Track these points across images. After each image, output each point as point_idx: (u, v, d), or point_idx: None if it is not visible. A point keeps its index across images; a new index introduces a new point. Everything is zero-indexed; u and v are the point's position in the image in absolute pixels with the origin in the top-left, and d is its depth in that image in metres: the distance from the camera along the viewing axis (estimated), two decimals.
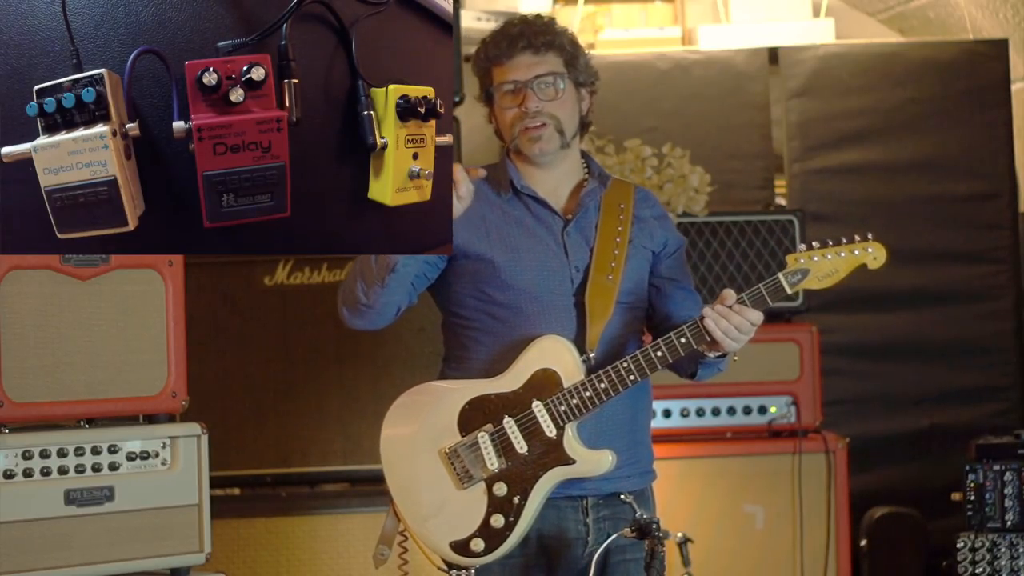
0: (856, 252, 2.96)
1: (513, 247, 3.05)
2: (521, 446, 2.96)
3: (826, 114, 5.59)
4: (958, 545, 4.14)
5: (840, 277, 2.97)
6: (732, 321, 2.90)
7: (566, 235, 3.07)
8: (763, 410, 4.71)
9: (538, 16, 3.10)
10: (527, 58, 3.04)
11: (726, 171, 5.39)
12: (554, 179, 3.12)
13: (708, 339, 2.92)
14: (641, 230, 3.13)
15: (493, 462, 2.96)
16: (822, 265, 2.95)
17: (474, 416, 2.98)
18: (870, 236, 2.97)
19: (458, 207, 2.87)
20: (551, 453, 2.95)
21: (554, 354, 2.98)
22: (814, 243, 2.97)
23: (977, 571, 4.12)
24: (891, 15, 6.24)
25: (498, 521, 2.95)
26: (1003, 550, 4.12)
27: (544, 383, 2.96)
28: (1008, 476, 4.15)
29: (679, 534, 4.08)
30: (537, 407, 2.96)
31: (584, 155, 3.18)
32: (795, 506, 4.61)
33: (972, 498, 4.16)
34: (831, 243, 2.97)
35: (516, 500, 2.95)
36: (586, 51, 3.13)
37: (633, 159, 4.86)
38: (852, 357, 5.49)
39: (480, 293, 3.05)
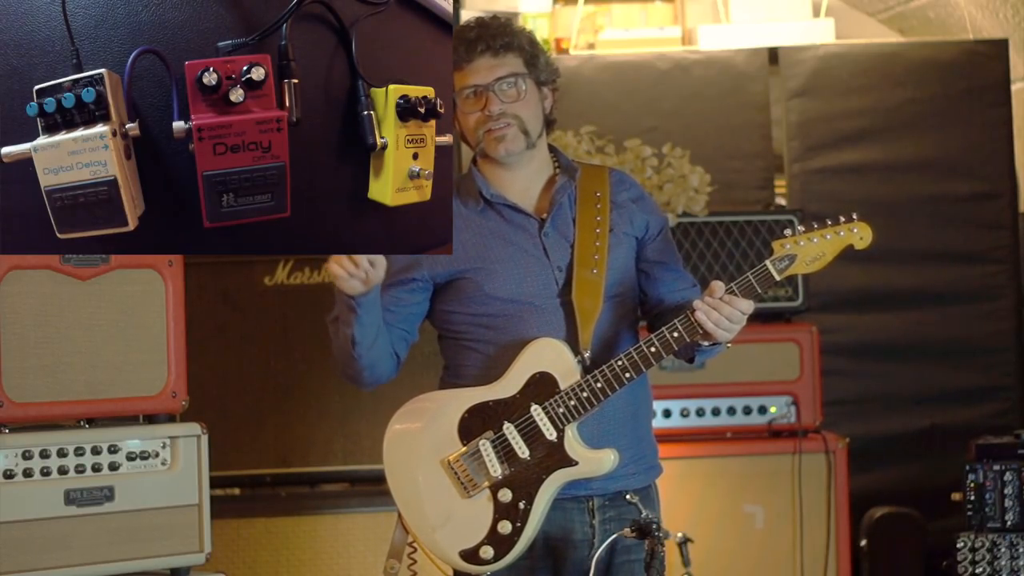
0: (842, 233, 2.94)
1: (491, 260, 3.03)
2: (523, 451, 2.95)
3: (826, 114, 5.58)
4: (958, 545, 4.14)
5: (828, 260, 2.94)
6: (723, 312, 2.88)
7: (544, 236, 3.06)
8: (763, 410, 4.71)
9: (494, 18, 3.08)
10: (486, 61, 3.01)
11: (726, 171, 5.39)
12: (524, 180, 3.10)
13: (700, 331, 2.91)
14: (620, 216, 3.10)
15: (496, 469, 2.95)
16: (809, 249, 2.93)
17: (474, 424, 2.97)
18: (855, 216, 2.94)
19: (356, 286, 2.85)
20: (553, 456, 2.95)
21: (548, 357, 2.97)
22: (799, 227, 2.94)
23: (977, 571, 4.12)
24: (891, 15, 6.24)
25: (505, 527, 2.94)
26: (1003, 550, 4.12)
27: (541, 386, 2.96)
28: (1008, 476, 4.14)
29: (679, 534, 4.08)
30: (536, 411, 2.95)
31: (552, 149, 3.16)
32: (795, 506, 4.60)
33: (972, 498, 4.16)
34: (816, 226, 2.94)
35: (522, 505, 2.95)
36: (545, 50, 3.11)
37: (633, 159, 4.86)
38: (852, 357, 5.49)
39: (466, 309, 3.04)
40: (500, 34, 3.03)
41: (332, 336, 3.01)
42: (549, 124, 3.13)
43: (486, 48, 3.01)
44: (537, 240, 3.06)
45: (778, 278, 2.92)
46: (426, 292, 3.08)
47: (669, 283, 3.11)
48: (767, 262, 2.92)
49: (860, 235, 2.94)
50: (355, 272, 2.84)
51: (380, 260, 2.85)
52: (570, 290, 3.02)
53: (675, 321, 2.92)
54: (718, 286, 2.89)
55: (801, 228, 2.93)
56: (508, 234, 3.06)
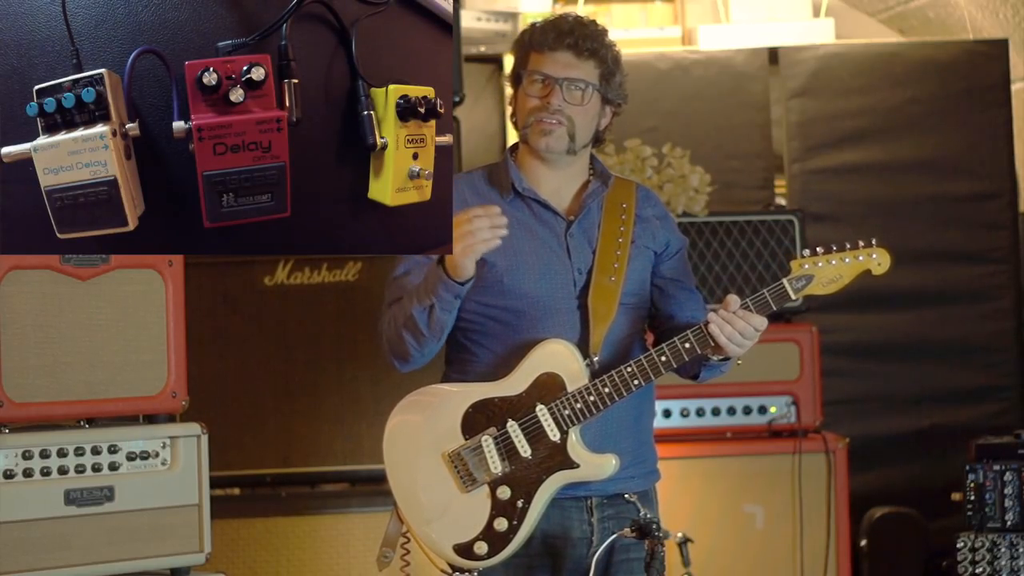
0: (860, 258, 2.97)
1: (516, 251, 3.03)
2: (525, 450, 2.95)
3: (826, 114, 5.59)
4: (958, 545, 4.14)
5: (844, 283, 2.97)
6: (736, 327, 2.90)
7: (569, 236, 3.06)
8: (763, 410, 4.71)
9: (594, 22, 3.08)
10: (567, 57, 3.01)
11: (726, 171, 5.39)
12: (558, 180, 3.10)
13: (712, 344, 2.92)
14: (644, 230, 3.12)
15: (496, 465, 2.95)
16: (826, 271, 2.95)
17: (478, 419, 2.97)
18: (874, 242, 2.97)
19: (487, 234, 2.87)
20: (555, 457, 2.95)
21: (558, 358, 2.98)
22: (818, 248, 2.96)
23: (977, 571, 4.12)
24: (891, 15, 6.25)
25: (502, 524, 2.95)
26: (1003, 550, 4.12)
27: (548, 387, 2.96)
28: (1008, 476, 4.14)
29: (679, 534, 4.08)
30: (541, 411, 2.96)
31: (591, 157, 3.16)
32: (795, 506, 4.61)
33: (972, 498, 4.16)
34: (835, 248, 2.96)
35: (520, 504, 2.95)
36: (625, 72, 3.10)
37: (633, 159, 4.86)
38: (852, 357, 5.49)
39: (481, 299, 3.03)
40: (591, 38, 3.03)
41: (405, 322, 2.97)
42: (598, 140, 3.13)
43: (573, 44, 3.01)
44: (562, 239, 3.06)
45: (794, 297, 2.95)
46: None
47: (682, 301, 3.13)
48: (784, 280, 2.94)
49: (879, 261, 2.97)
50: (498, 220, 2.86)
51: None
52: (587, 293, 3.02)
53: (687, 332, 2.93)
54: (733, 300, 2.91)
55: (820, 249, 2.95)
56: (534, 228, 3.06)
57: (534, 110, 3.02)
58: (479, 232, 2.85)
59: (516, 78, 3.08)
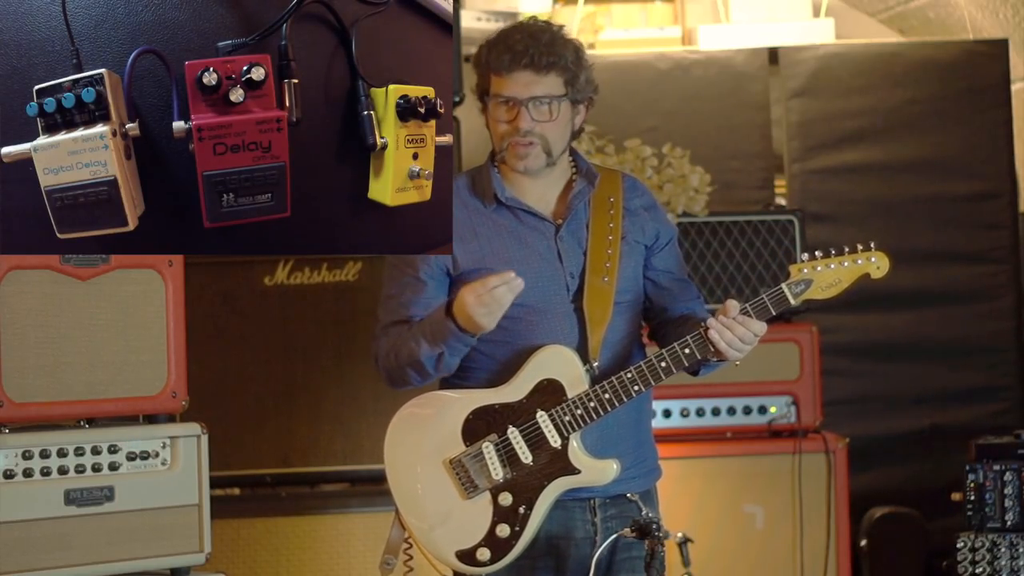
0: (859, 262, 2.96)
1: (507, 260, 3.01)
2: (526, 456, 2.95)
3: (826, 114, 5.58)
4: (958, 545, 4.14)
5: (843, 287, 2.96)
6: (736, 332, 2.89)
7: (559, 240, 3.05)
8: (763, 410, 4.71)
9: (547, 28, 3.00)
10: (527, 76, 2.96)
11: (726, 171, 5.39)
12: (542, 186, 3.07)
13: (712, 349, 2.92)
14: (632, 223, 3.10)
15: (498, 472, 2.95)
16: (825, 275, 2.94)
17: (478, 426, 2.97)
18: (872, 245, 2.96)
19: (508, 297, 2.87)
20: (556, 463, 2.95)
21: (557, 364, 2.97)
22: (817, 252, 2.95)
23: (977, 571, 4.12)
24: (891, 15, 6.24)
25: (504, 531, 2.94)
26: (1003, 550, 4.12)
27: (548, 393, 2.96)
28: (1008, 476, 4.14)
29: (679, 534, 4.08)
30: (541, 417, 2.95)
31: (572, 153, 3.14)
32: (795, 506, 4.60)
33: (972, 498, 4.16)
34: (834, 252, 2.95)
35: (522, 510, 2.95)
36: (589, 63, 3.04)
37: (633, 159, 4.86)
38: (852, 357, 5.49)
39: None
40: (547, 52, 2.95)
41: (412, 363, 2.98)
42: (575, 134, 3.10)
43: (530, 63, 2.95)
44: (552, 244, 3.05)
45: (793, 302, 2.94)
46: (441, 285, 3.05)
47: (676, 293, 3.12)
48: (783, 285, 2.94)
49: (877, 264, 2.97)
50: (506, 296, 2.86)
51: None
52: (582, 296, 3.02)
53: (687, 337, 2.93)
54: (733, 306, 2.90)
55: (819, 253, 2.94)
56: (523, 235, 3.05)
57: (505, 134, 2.99)
58: (503, 298, 2.86)
59: (482, 99, 3.03)
